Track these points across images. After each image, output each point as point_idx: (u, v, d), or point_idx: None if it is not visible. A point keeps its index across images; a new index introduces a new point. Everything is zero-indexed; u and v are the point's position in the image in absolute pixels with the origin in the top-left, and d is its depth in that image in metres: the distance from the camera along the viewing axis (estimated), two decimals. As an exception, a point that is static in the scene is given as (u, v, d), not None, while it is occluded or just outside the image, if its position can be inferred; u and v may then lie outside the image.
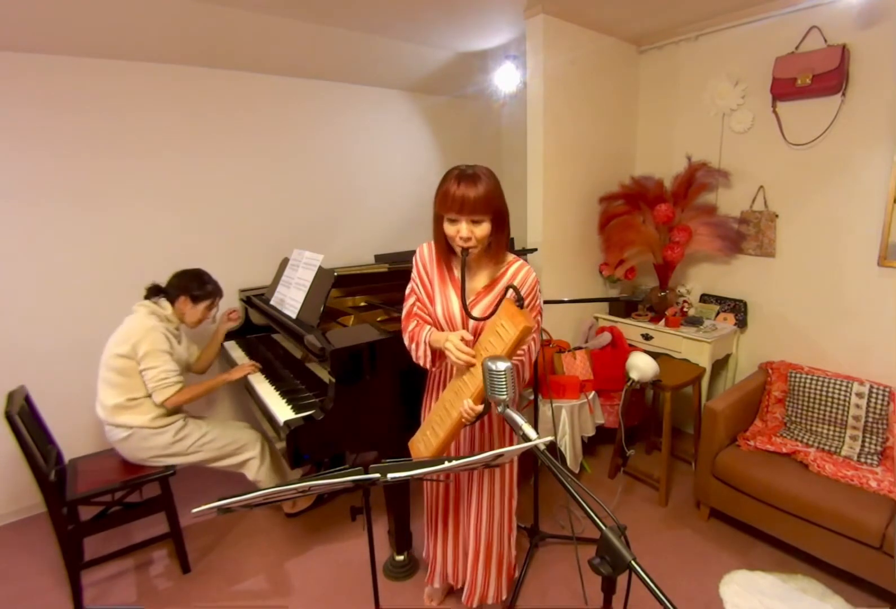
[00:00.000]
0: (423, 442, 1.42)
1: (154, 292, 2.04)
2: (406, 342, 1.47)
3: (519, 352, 1.33)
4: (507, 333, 1.18)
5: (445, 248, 1.39)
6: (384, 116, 3.19)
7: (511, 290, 1.19)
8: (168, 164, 2.50)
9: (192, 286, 2.03)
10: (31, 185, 2.20)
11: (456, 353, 1.27)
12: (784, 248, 2.45)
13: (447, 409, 1.34)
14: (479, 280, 1.41)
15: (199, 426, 2.02)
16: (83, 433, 2.37)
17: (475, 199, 1.24)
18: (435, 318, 1.44)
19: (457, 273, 1.41)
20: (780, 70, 2.23)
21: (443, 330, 1.44)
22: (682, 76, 2.68)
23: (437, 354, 1.43)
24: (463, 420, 1.26)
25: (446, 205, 1.27)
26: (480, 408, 1.22)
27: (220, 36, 2.31)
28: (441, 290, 1.43)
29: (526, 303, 1.30)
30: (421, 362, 1.44)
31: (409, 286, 1.50)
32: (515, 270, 1.38)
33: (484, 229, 1.29)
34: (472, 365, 1.26)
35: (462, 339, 1.29)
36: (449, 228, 1.31)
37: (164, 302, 2.03)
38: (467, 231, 1.27)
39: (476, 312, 1.37)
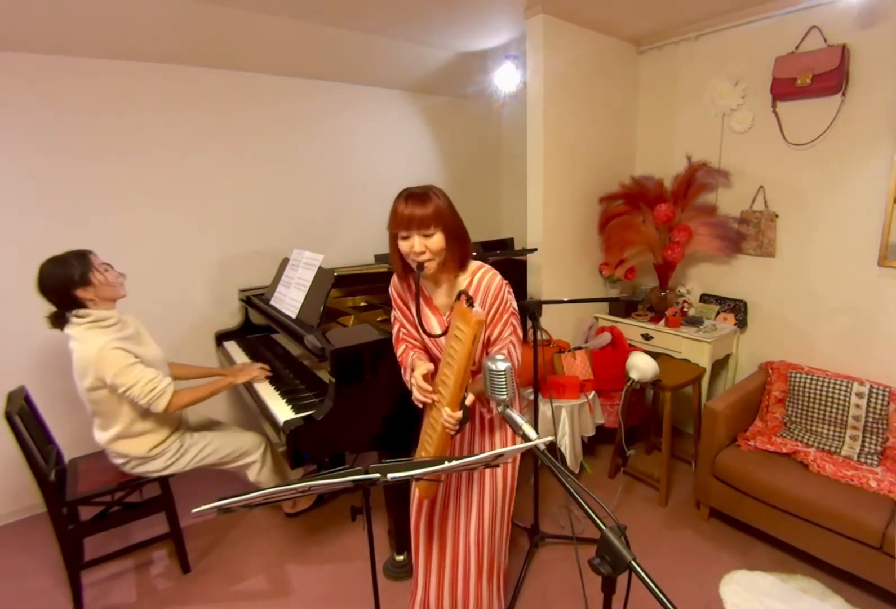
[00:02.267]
0: None
1: (59, 318, 1.76)
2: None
3: (498, 356, 1.33)
4: (463, 334, 1.20)
5: (402, 269, 1.39)
6: (384, 116, 3.19)
7: (462, 295, 1.24)
8: (167, 163, 2.50)
9: (67, 284, 1.70)
10: (31, 185, 2.20)
11: (415, 394, 1.38)
12: (784, 248, 2.45)
13: (432, 425, 1.39)
14: (448, 295, 1.41)
15: (196, 441, 1.97)
16: (83, 433, 2.36)
17: (422, 215, 1.25)
18: (422, 339, 1.48)
19: (427, 293, 1.43)
20: (780, 70, 2.23)
21: (431, 350, 1.49)
22: (682, 76, 2.68)
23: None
24: (446, 430, 1.29)
25: (396, 222, 1.28)
26: (459, 414, 1.26)
27: (219, 36, 2.31)
28: (421, 313, 1.42)
29: (495, 307, 1.33)
30: (409, 386, 1.45)
31: (391, 314, 1.54)
32: (480, 277, 1.36)
33: (437, 242, 1.28)
34: (432, 401, 1.36)
35: (425, 375, 1.36)
36: (403, 245, 1.30)
37: (78, 312, 1.74)
38: (420, 245, 1.27)
39: None
